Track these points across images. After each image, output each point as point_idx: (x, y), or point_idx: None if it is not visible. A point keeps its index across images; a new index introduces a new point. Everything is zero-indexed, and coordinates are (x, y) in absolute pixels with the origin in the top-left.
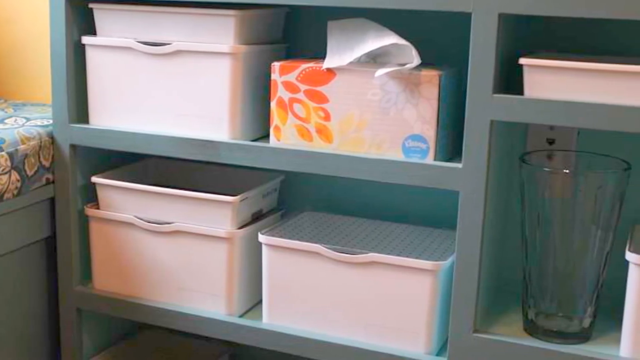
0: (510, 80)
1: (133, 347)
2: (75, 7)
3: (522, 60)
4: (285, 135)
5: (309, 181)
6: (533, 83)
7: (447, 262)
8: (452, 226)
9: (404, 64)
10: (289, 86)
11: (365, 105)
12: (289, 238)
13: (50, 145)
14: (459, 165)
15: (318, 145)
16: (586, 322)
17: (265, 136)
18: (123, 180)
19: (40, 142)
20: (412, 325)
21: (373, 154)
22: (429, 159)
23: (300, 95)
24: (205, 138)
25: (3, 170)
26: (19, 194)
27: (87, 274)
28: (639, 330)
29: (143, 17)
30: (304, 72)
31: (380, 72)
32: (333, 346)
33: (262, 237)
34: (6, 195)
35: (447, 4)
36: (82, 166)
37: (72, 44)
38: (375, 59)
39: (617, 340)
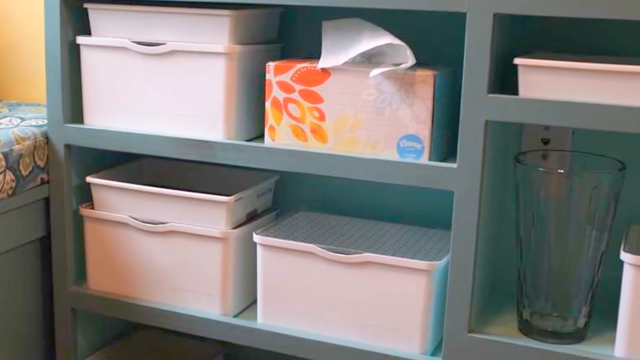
0: (505, 80)
1: (128, 347)
2: (70, 7)
3: (517, 60)
4: (280, 135)
5: (304, 181)
6: (528, 83)
7: (441, 262)
8: (447, 226)
9: (399, 64)
10: (284, 86)
11: (360, 105)
12: (284, 238)
13: (45, 145)
14: (454, 165)
15: (313, 145)
16: (581, 322)
17: (260, 136)
18: (118, 180)
19: (35, 142)
20: (407, 325)
21: (368, 154)
22: (424, 159)
23: (295, 95)
24: (200, 138)
25: None
26: (13, 194)
27: (81, 274)
28: (634, 330)
29: (138, 17)
30: (298, 72)
31: (375, 72)
32: (328, 346)
33: (256, 237)
34: (1, 195)
35: (442, 4)
36: (76, 166)
37: (67, 44)
38: (370, 59)
39: (612, 340)
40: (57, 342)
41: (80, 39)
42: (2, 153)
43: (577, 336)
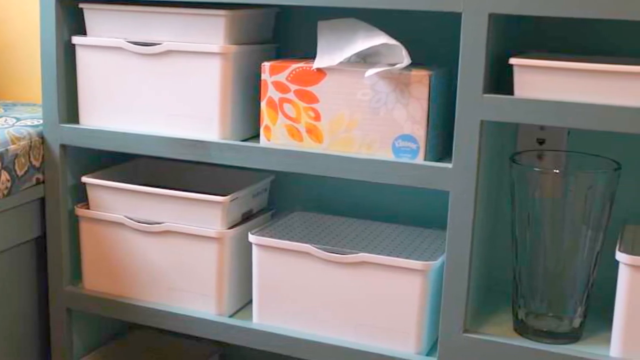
0: (500, 80)
1: (123, 347)
2: (66, 7)
3: (512, 60)
4: (276, 135)
5: (299, 181)
6: (523, 83)
7: (437, 262)
8: (443, 226)
9: (394, 64)
10: (279, 86)
11: (356, 105)
12: (279, 238)
13: (41, 145)
14: (449, 165)
15: (308, 145)
16: (576, 322)
17: (256, 136)
18: (113, 180)
19: (31, 142)
20: (402, 325)
21: (363, 154)
22: (419, 159)
23: (291, 95)
24: (196, 138)
25: None
26: (9, 194)
27: (77, 274)
28: (629, 330)
29: (133, 17)
30: (294, 72)
31: (371, 72)
32: (323, 346)
33: (252, 237)
34: None
35: (437, 4)
36: (72, 166)
37: (62, 44)
38: (365, 59)
39: (607, 340)
40: (53, 342)
41: (76, 39)
42: None
43: (573, 336)
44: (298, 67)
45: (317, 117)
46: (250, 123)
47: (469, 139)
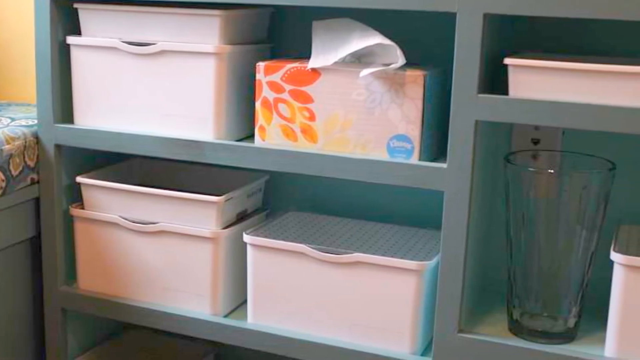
0: (495, 80)
1: (118, 347)
2: (60, 7)
3: (507, 60)
4: (270, 135)
5: (294, 181)
6: (518, 83)
7: (432, 262)
8: (437, 226)
9: (389, 64)
10: (274, 86)
11: (350, 105)
12: (274, 238)
13: (35, 145)
14: (444, 165)
15: (303, 145)
16: (571, 322)
17: (250, 136)
18: (108, 180)
19: (25, 142)
20: (397, 325)
21: (358, 154)
22: (414, 159)
23: (285, 95)
24: (190, 138)
25: None
26: (3, 194)
27: (72, 274)
28: (624, 331)
29: (128, 17)
30: (288, 72)
31: (365, 72)
32: (318, 346)
33: (246, 237)
34: None
35: (432, 4)
36: (67, 166)
37: (57, 44)
38: (360, 59)
39: (602, 340)
40: (48, 342)
41: (71, 39)
42: None
43: (567, 336)
44: (293, 67)
45: (312, 117)
46: (244, 123)
47: (464, 139)
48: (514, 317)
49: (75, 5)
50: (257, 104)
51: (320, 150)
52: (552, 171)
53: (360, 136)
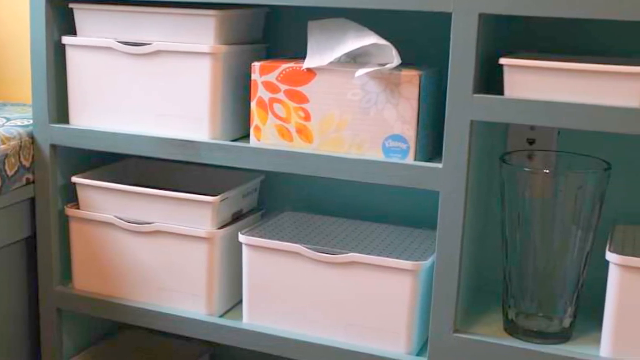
0: (490, 80)
1: (113, 347)
2: (56, 7)
3: (502, 60)
4: (266, 135)
5: (289, 181)
6: (513, 83)
7: (427, 262)
8: (433, 226)
9: (384, 64)
10: (269, 86)
11: (346, 105)
12: (269, 238)
13: (31, 145)
14: (439, 165)
15: (298, 145)
16: (566, 322)
17: (246, 136)
18: (103, 180)
19: (21, 142)
20: (392, 325)
21: (353, 154)
22: (409, 159)
23: (281, 95)
24: (186, 138)
25: None
26: None
27: (67, 274)
28: (619, 330)
29: (123, 17)
30: (284, 72)
31: (361, 72)
32: (313, 346)
33: (242, 237)
34: None
35: (427, 4)
36: (62, 166)
37: (53, 44)
38: (355, 59)
39: (597, 340)
40: (43, 342)
41: (66, 39)
42: None
43: (563, 336)
44: (288, 67)
45: (307, 117)
46: (240, 123)
47: (459, 139)
48: (510, 317)
49: (71, 6)
50: (253, 104)
51: (316, 150)
52: (547, 171)
53: (356, 136)
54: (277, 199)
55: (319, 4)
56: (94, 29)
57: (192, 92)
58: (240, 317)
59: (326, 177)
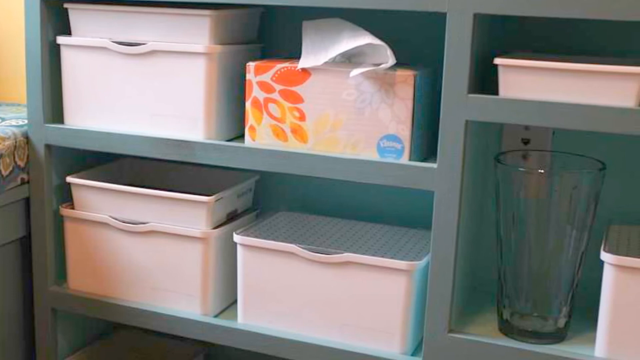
0: (485, 80)
1: (108, 347)
2: (50, 7)
3: (497, 60)
4: (260, 135)
5: (284, 181)
6: (508, 83)
7: (422, 262)
8: (427, 226)
9: (379, 64)
10: (264, 86)
11: (340, 105)
12: (264, 238)
13: (25, 145)
14: (434, 165)
15: (293, 145)
16: (561, 322)
17: (241, 136)
18: (98, 180)
19: (15, 142)
20: (387, 325)
21: (348, 154)
22: (404, 159)
23: (275, 95)
24: (180, 138)
25: None
26: None
27: (62, 274)
28: (614, 331)
29: (118, 17)
30: (279, 72)
31: (355, 72)
32: (308, 346)
33: (237, 237)
34: None
35: (422, 4)
36: (57, 166)
37: (47, 44)
38: (350, 59)
39: (592, 340)
40: (38, 342)
41: (61, 39)
42: None
43: (557, 336)
44: (283, 67)
45: (302, 117)
46: (235, 123)
47: (454, 139)
48: (504, 317)
49: (66, 5)
50: (248, 104)
51: (311, 150)
52: (542, 171)
53: (351, 136)
54: (272, 199)
55: (314, 4)
56: (88, 28)
57: (187, 92)
58: (235, 317)
59: (321, 177)
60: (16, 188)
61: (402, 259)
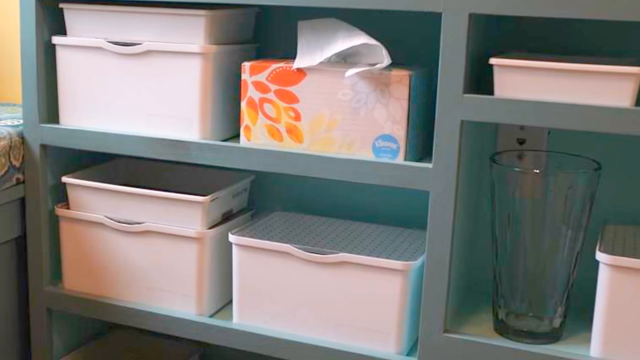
0: (480, 80)
1: (103, 347)
2: (46, 7)
3: (493, 60)
4: (256, 135)
5: (280, 181)
6: (503, 83)
7: (417, 262)
8: (423, 226)
9: (375, 64)
10: (260, 86)
11: (336, 105)
12: (260, 238)
13: (21, 145)
14: (429, 165)
15: (288, 145)
16: (556, 322)
17: (236, 136)
18: (93, 180)
19: (11, 142)
20: (382, 325)
21: (343, 154)
22: (399, 159)
23: (271, 95)
24: (176, 138)
25: None
26: None
27: (57, 274)
28: (609, 331)
29: (113, 17)
30: (274, 72)
31: (351, 72)
32: (303, 346)
33: (232, 237)
34: None
35: (418, 4)
36: (52, 166)
37: (43, 44)
38: (345, 59)
39: (588, 340)
40: (33, 342)
41: (56, 39)
42: None
43: (553, 336)
44: (278, 67)
45: (298, 117)
46: (230, 123)
47: (449, 139)
48: (500, 317)
49: (61, 5)
50: (243, 104)
51: (306, 150)
52: (537, 171)
53: (346, 136)
54: (268, 199)
55: (310, 4)
56: (84, 28)
57: (183, 92)
58: (230, 317)
59: (316, 177)
60: (11, 188)
61: (397, 259)
